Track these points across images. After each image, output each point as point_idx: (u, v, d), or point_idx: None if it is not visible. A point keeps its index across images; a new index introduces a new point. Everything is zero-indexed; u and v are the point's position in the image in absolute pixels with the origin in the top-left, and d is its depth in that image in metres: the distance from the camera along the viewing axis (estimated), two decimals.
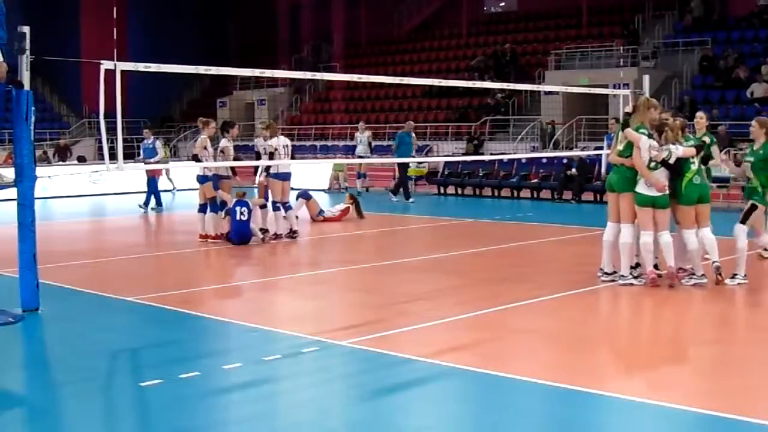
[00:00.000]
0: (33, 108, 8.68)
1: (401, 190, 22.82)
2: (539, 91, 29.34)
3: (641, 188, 9.79)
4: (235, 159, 14.49)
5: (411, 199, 22.61)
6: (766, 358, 7.28)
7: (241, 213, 13.75)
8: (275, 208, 14.55)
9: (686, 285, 9.87)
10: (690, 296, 9.55)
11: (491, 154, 26.78)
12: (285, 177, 14.51)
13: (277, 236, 14.49)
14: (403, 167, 22.91)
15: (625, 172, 9.95)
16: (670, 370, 6.95)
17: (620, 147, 10.12)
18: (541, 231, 15.95)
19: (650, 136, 9.84)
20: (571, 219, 17.70)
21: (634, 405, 5.89)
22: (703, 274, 9.93)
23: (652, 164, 9.69)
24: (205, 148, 13.96)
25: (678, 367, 7.09)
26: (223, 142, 14.07)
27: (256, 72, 11.75)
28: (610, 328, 8.85)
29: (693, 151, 9.86)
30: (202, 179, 14.27)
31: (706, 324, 8.95)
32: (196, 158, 13.97)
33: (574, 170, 21.62)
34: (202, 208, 14.34)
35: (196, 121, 16.15)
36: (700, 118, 10.89)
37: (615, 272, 10.27)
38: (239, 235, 13.80)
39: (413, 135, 23.45)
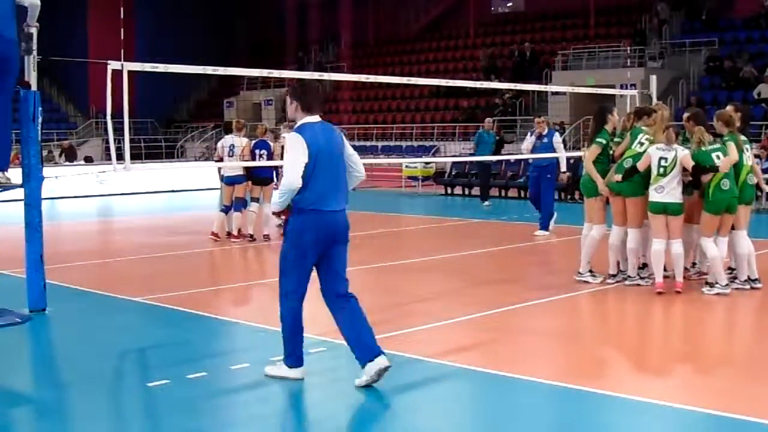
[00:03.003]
0: (40, 108, 8.68)
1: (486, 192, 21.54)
2: (546, 92, 29.32)
3: (653, 195, 9.57)
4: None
5: (487, 202, 21.09)
6: None
7: (260, 155, 14.19)
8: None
9: (708, 294, 9.51)
10: (697, 299, 9.50)
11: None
12: None
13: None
14: (484, 168, 21.57)
15: (635, 177, 9.78)
16: (677, 371, 6.94)
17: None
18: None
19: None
20: (579, 219, 17.63)
21: (642, 405, 5.87)
22: (726, 284, 9.55)
23: (661, 170, 9.54)
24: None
25: (685, 368, 7.06)
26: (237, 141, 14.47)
27: (264, 72, 11.77)
28: (617, 328, 8.83)
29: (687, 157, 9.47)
30: (241, 179, 14.30)
31: (712, 325, 8.93)
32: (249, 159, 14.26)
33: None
34: (227, 209, 14.46)
35: (203, 121, 16.25)
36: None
37: (621, 272, 10.25)
38: (259, 175, 14.32)
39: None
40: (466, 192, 24.66)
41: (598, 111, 10.54)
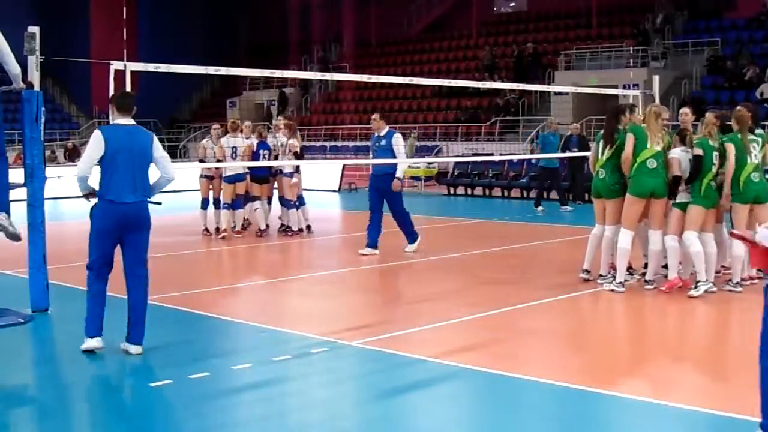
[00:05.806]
0: (43, 108, 8.69)
1: (564, 195, 20.00)
2: (549, 92, 29.33)
3: (685, 197, 9.60)
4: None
5: (567, 207, 19.58)
6: None
7: (264, 155, 14.73)
8: (290, 206, 15.09)
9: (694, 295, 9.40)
10: (699, 298, 9.48)
11: (501, 154, 26.74)
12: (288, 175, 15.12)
13: (292, 231, 15.06)
14: (553, 172, 19.88)
15: (664, 178, 9.65)
16: (679, 371, 6.92)
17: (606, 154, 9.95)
18: (552, 231, 15.91)
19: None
20: (582, 219, 17.64)
21: (644, 405, 5.87)
22: (707, 280, 9.44)
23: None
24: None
25: (687, 368, 7.05)
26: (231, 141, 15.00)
27: (266, 72, 11.76)
28: (620, 328, 8.82)
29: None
30: (239, 177, 14.76)
31: (715, 325, 8.91)
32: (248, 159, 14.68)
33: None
34: (227, 206, 14.80)
35: (205, 121, 16.36)
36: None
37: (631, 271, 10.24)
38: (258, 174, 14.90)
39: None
40: (469, 192, 24.66)
41: (612, 110, 10.36)
